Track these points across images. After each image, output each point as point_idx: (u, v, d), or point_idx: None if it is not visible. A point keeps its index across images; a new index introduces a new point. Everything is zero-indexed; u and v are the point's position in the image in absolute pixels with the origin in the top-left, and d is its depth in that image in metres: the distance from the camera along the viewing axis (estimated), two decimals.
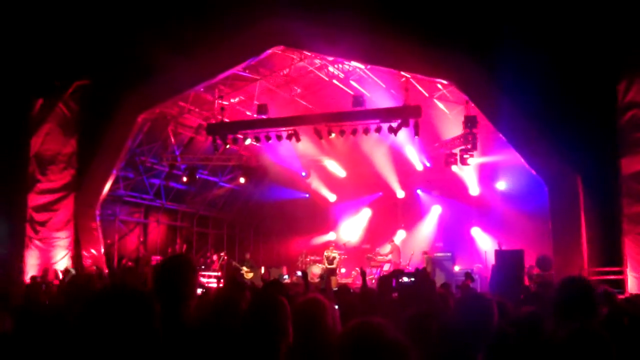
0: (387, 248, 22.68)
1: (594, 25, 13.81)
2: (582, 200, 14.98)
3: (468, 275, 16.90)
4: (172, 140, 22.14)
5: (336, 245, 23.26)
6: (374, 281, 19.90)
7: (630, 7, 13.59)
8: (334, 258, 21.71)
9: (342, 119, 19.47)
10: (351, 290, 8.55)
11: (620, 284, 13.53)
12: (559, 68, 14.18)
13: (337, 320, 4.37)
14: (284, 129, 19.90)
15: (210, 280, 20.74)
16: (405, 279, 6.35)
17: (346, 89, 20.76)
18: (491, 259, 17.96)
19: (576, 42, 14.04)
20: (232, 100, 21.47)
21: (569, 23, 13.99)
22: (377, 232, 24.43)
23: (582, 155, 14.74)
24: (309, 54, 19.11)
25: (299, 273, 20.34)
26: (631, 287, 13.63)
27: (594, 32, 13.86)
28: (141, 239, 23.56)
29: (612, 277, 13.83)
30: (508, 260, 16.30)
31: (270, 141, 20.17)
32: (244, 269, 21.49)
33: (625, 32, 13.77)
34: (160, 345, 2.51)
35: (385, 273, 21.23)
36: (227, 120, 20.85)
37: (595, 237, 15.07)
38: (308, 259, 22.98)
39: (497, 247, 18.56)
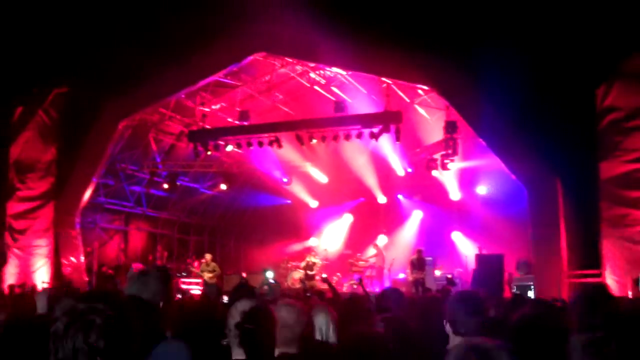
0: (371, 251, 22.72)
1: (573, 29, 13.94)
2: (561, 204, 15.13)
3: (449, 280, 17.03)
4: (153, 147, 22.04)
5: (317, 251, 23.23)
6: (355, 286, 19.94)
7: (610, 12, 13.75)
8: (314, 264, 21.66)
9: (323, 125, 19.50)
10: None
11: None
12: (539, 72, 14.30)
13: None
14: (265, 135, 19.88)
15: (190, 287, 20.65)
16: None
17: (327, 95, 20.83)
18: (472, 263, 18.08)
19: (556, 47, 14.18)
20: (213, 107, 21.41)
21: (549, 28, 14.12)
22: (359, 238, 24.47)
23: (561, 159, 14.88)
24: (291, 60, 19.16)
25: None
26: None
27: (574, 37, 14.00)
28: (121, 247, 23.44)
29: (590, 279, 13.92)
30: (488, 264, 16.47)
31: (251, 147, 20.15)
32: (205, 274, 20.27)
33: (604, 36, 13.94)
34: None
35: (368, 278, 21.27)
36: (208, 126, 20.79)
37: (574, 240, 15.22)
38: (289, 265, 22.94)
39: (477, 252, 18.73)
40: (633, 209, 13.87)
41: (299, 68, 20.18)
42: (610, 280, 13.86)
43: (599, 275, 14.12)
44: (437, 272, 21.00)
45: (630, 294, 13.14)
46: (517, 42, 14.09)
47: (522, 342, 4.63)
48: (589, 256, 14.73)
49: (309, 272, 21.45)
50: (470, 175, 21.89)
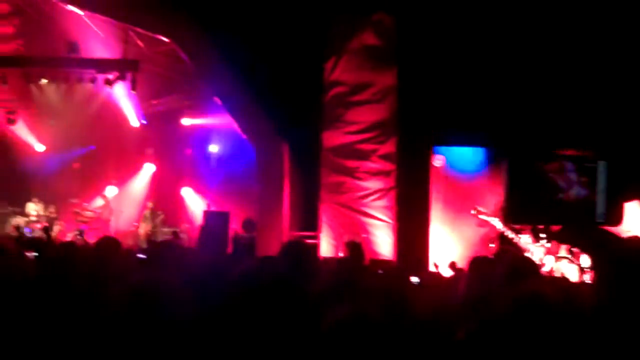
0: (99, 202, 22.03)
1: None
2: (286, 168, 16.01)
3: (174, 234, 17.22)
4: None
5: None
6: (79, 237, 19.29)
7: None
8: (38, 211, 20.58)
9: (55, 64, 18.47)
10: None
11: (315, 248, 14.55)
12: (276, 41, 14.89)
13: None
14: None
15: None
16: None
17: (62, 33, 19.60)
18: (200, 220, 18.39)
19: (292, 16, 14.75)
20: None
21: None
22: (87, 187, 23.53)
23: (290, 126, 15.72)
24: None
25: None
26: (324, 251, 14.80)
27: (308, 8, 14.73)
28: None
29: (308, 241, 14.82)
30: (215, 221, 16.93)
31: None
32: None
33: (336, 12, 14.88)
34: None
35: (94, 230, 20.62)
36: None
37: (297, 204, 16.21)
38: (8, 210, 21.52)
39: (206, 208, 19.10)
40: (349, 177, 15.12)
41: None
42: (326, 242, 14.98)
43: (316, 237, 15.13)
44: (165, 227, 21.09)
45: (340, 255, 14.27)
46: (255, 11, 14.49)
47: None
48: (309, 219, 15.74)
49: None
50: (204, 132, 22.05)
